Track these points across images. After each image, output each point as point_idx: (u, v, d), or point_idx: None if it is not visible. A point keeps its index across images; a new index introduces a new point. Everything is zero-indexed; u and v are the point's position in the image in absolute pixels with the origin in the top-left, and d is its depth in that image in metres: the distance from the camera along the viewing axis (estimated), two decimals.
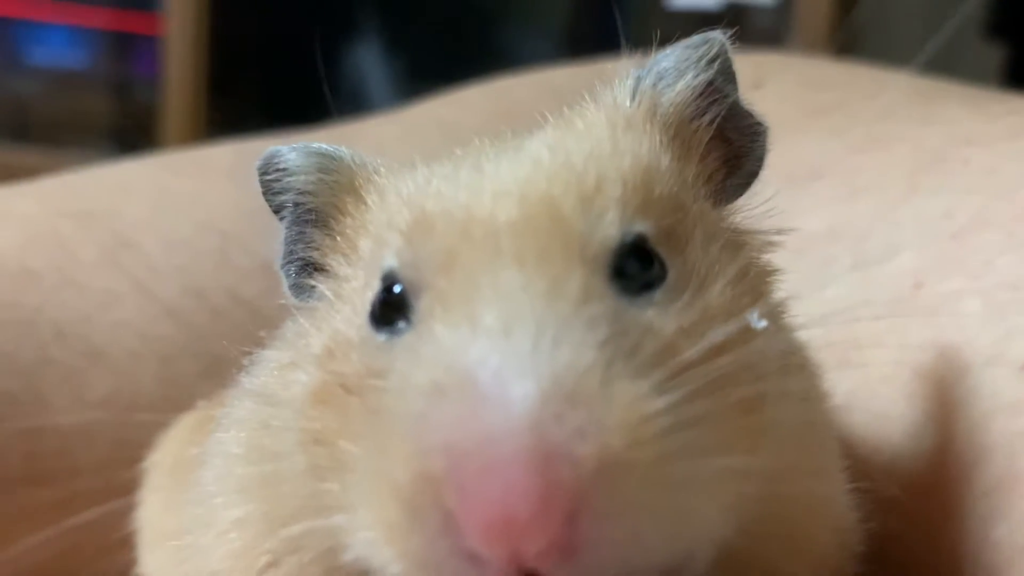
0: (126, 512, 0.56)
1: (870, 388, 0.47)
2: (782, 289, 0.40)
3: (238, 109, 2.25)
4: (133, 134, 2.26)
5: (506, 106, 0.76)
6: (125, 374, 0.64)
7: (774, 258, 0.41)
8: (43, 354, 0.63)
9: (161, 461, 0.54)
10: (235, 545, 0.37)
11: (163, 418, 0.57)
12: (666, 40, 0.42)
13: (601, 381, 0.29)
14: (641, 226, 0.34)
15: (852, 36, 2.06)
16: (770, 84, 0.70)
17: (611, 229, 0.34)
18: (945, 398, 0.45)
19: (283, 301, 0.42)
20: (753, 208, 0.41)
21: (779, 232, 0.40)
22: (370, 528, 0.31)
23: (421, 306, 0.33)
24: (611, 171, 0.35)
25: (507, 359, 0.29)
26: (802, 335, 0.40)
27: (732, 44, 0.41)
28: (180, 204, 0.73)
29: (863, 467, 0.42)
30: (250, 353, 0.41)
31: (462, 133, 0.44)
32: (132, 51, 2.39)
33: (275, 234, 0.42)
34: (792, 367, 0.37)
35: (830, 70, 0.77)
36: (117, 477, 0.55)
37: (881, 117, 0.62)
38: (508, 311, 0.31)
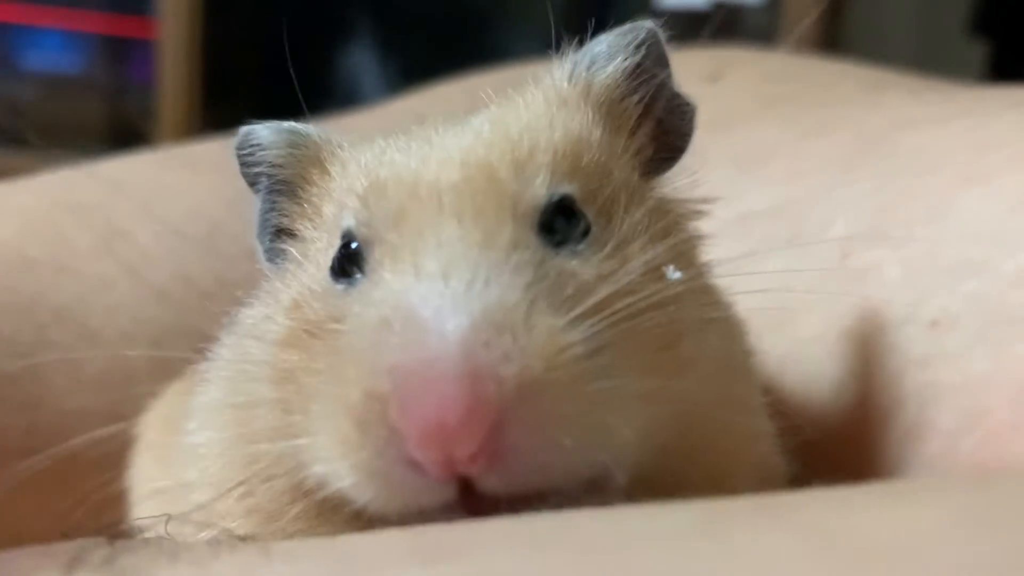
0: (120, 479, 0.59)
1: (801, 350, 0.52)
2: (712, 254, 0.44)
3: (232, 113, 2.25)
4: (128, 138, 2.27)
5: (481, 100, 0.80)
6: (118, 354, 0.68)
7: (707, 227, 0.45)
8: (42, 336, 0.67)
9: (152, 422, 0.58)
10: (212, 470, 0.41)
11: (154, 391, 0.61)
12: None
13: (525, 315, 0.34)
14: (568, 188, 0.39)
15: (840, 35, 2.09)
16: (729, 77, 0.74)
17: (540, 189, 0.38)
18: (867, 355, 0.49)
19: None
20: (684, 181, 0.45)
21: (705, 202, 0.45)
22: (327, 447, 0.36)
23: (374, 258, 0.38)
24: (543, 141, 0.40)
25: (445, 298, 0.34)
26: (735, 299, 0.44)
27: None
28: (170, 196, 0.77)
29: (792, 420, 0.46)
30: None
31: None
32: (127, 56, 2.42)
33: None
34: (712, 317, 0.41)
35: (788, 64, 0.80)
36: (112, 448, 0.59)
37: (829, 105, 0.66)
38: (447, 258, 0.35)
